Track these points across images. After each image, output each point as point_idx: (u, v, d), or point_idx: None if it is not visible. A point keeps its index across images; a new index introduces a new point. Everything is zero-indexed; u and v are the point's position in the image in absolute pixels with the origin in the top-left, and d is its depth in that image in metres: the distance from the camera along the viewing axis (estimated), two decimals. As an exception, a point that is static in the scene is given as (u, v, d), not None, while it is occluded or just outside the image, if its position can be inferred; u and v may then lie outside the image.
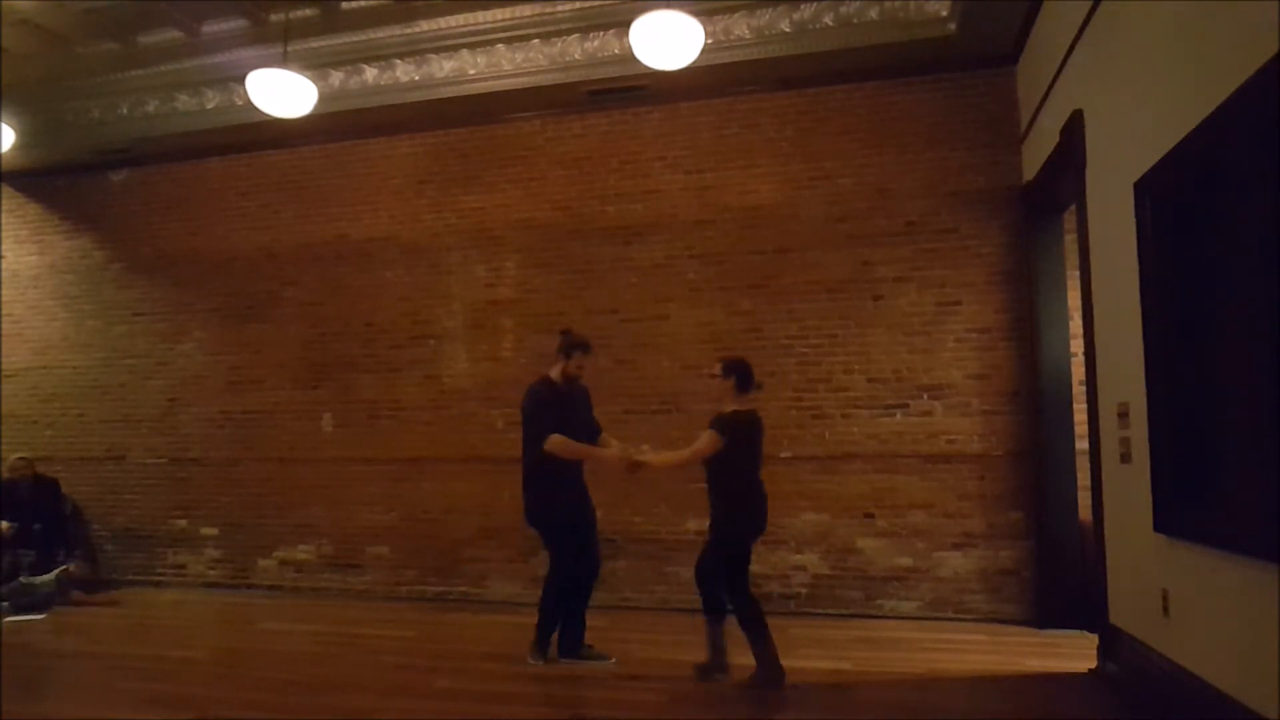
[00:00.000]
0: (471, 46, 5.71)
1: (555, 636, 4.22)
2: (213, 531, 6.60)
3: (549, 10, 5.40)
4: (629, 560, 5.63)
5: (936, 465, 5.25)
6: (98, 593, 6.30)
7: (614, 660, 4.18)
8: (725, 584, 3.84)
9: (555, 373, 4.23)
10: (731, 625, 3.87)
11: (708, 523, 3.96)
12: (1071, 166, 4.07)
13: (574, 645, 4.22)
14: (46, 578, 5.85)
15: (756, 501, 3.89)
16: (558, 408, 4.13)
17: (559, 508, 4.18)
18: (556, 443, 4.03)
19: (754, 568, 5.39)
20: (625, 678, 3.95)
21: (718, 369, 3.94)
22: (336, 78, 5.97)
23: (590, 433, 4.31)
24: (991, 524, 5.15)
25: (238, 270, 6.74)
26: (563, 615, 4.21)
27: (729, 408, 3.86)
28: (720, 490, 3.86)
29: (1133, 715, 3.37)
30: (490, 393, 6.01)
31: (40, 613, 5.64)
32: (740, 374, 3.88)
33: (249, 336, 6.65)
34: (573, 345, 4.22)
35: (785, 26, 5.27)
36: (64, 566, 6.02)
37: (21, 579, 5.80)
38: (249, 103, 4.80)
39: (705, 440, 3.80)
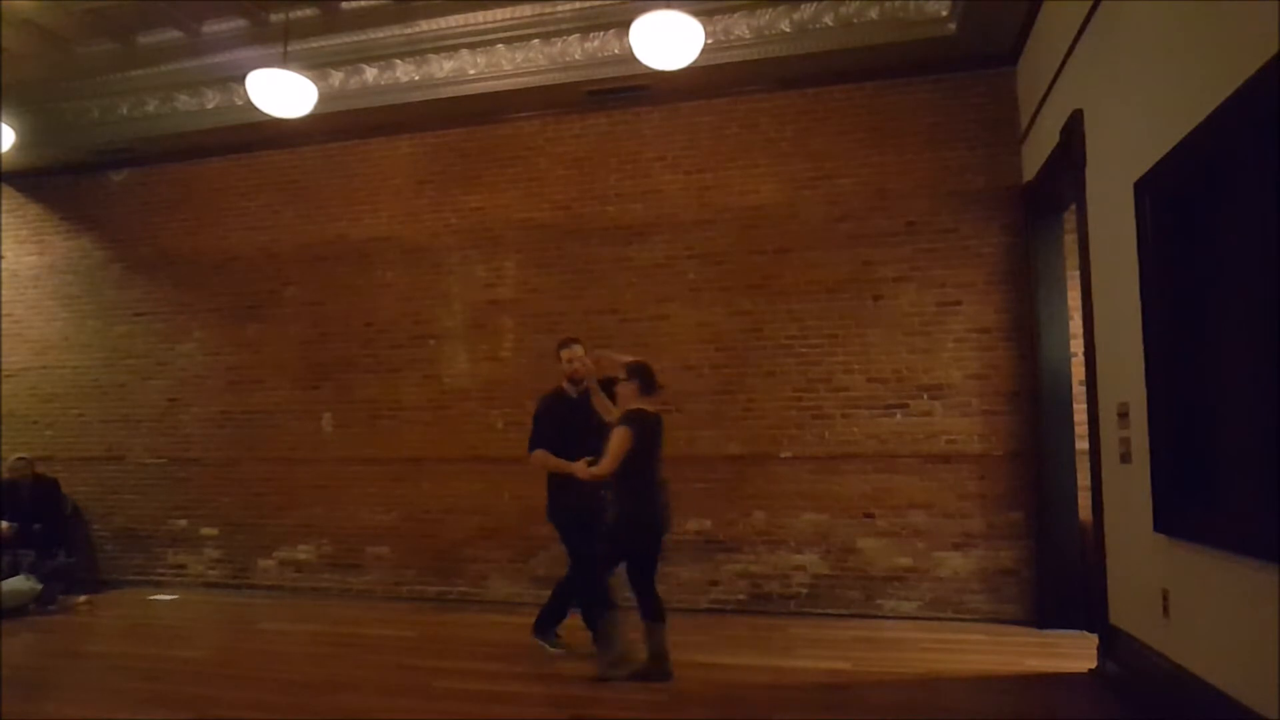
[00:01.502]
0: (471, 46, 5.71)
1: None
2: (213, 531, 6.60)
3: (549, 10, 5.40)
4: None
5: (936, 465, 5.25)
6: (96, 593, 6.29)
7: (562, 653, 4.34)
8: (596, 567, 3.98)
9: (564, 381, 4.45)
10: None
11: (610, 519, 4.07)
12: (1071, 166, 4.07)
13: (548, 627, 4.41)
14: (17, 587, 5.69)
15: (662, 500, 4.02)
16: (553, 419, 4.32)
17: (563, 508, 4.33)
18: (534, 459, 4.31)
19: (754, 568, 5.47)
20: (625, 677, 3.95)
21: (623, 372, 4.11)
22: (336, 78, 5.97)
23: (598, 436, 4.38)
24: (991, 524, 5.15)
25: (238, 270, 6.74)
26: (568, 604, 4.37)
27: (634, 407, 4.01)
28: (625, 489, 3.95)
29: (1133, 715, 3.37)
30: (490, 393, 6.01)
31: (15, 617, 5.52)
32: (642, 376, 4.04)
33: (249, 336, 6.65)
34: (558, 347, 4.44)
35: (785, 26, 5.27)
36: (35, 586, 5.77)
37: None
38: (249, 103, 4.80)
39: (619, 439, 3.87)
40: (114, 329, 7.00)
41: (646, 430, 3.93)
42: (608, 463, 3.87)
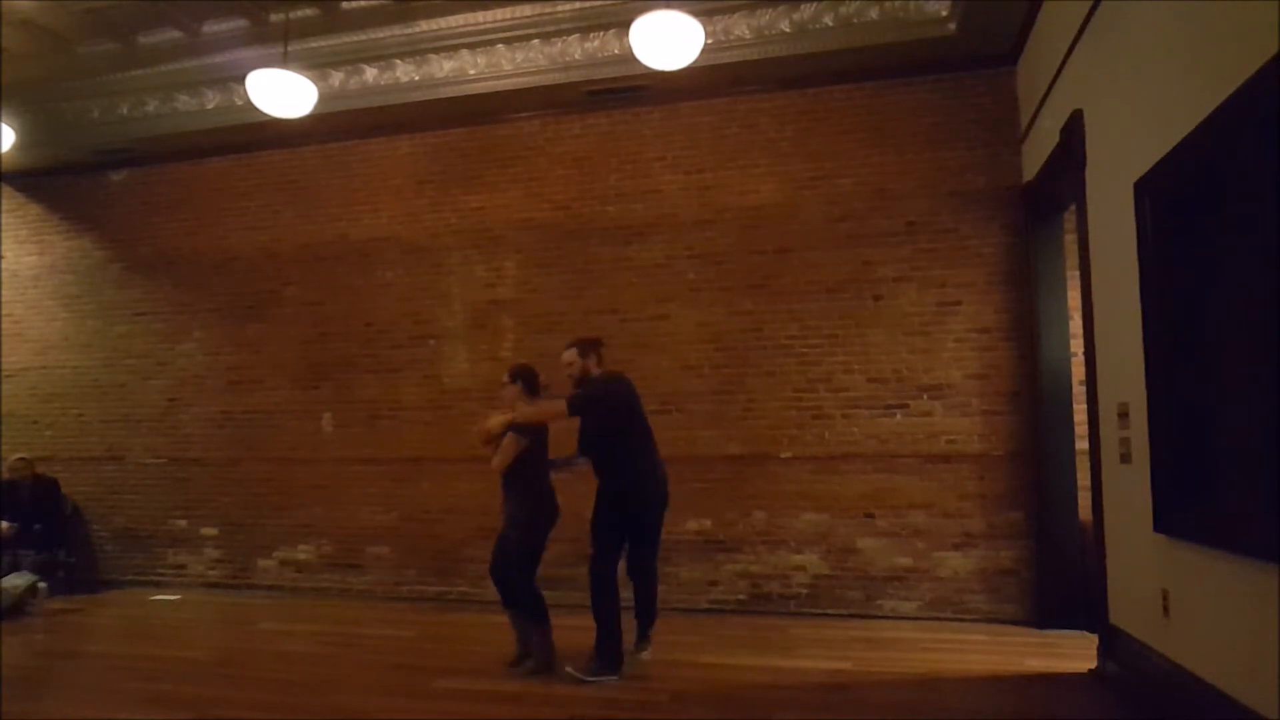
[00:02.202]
0: (471, 46, 5.71)
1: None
2: (213, 531, 6.60)
3: (549, 10, 5.40)
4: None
5: (936, 465, 5.25)
6: (89, 593, 6.29)
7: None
8: (522, 575, 4.04)
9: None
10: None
11: (505, 520, 4.13)
12: (1071, 166, 4.07)
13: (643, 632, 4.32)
14: (16, 583, 5.68)
15: (553, 496, 4.12)
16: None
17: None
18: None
19: (754, 568, 5.47)
20: (625, 678, 3.95)
21: (506, 377, 4.17)
22: (336, 78, 5.97)
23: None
24: (991, 524, 5.15)
25: (238, 270, 6.74)
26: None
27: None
28: (522, 488, 4.03)
29: (1133, 715, 3.37)
30: (490, 393, 5.97)
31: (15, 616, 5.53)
32: (527, 379, 4.14)
33: (249, 336, 6.65)
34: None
35: (785, 26, 5.27)
36: (36, 580, 5.80)
37: None
38: (249, 103, 4.80)
39: (512, 444, 3.96)
40: (114, 329, 7.00)
41: (536, 434, 4.06)
42: (499, 460, 3.98)
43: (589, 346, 4.30)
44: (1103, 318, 3.85)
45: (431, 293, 6.27)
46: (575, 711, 3.55)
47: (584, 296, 5.92)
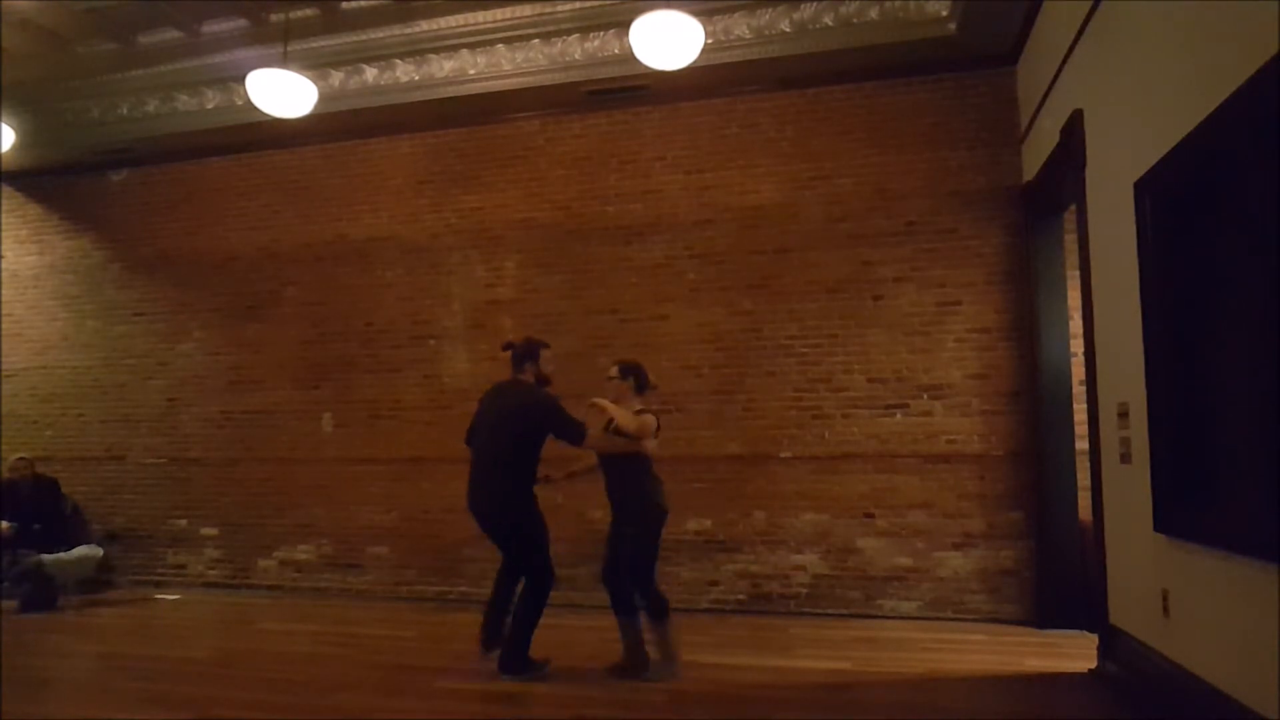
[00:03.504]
0: (471, 46, 5.71)
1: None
2: (213, 531, 6.60)
3: (549, 10, 5.40)
4: (629, 560, 5.63)
5: (936, 465, 5.25)
6: (90, 593, 6.30)
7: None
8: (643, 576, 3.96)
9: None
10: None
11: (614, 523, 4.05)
12: (1071, 166, 4.07)
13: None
14: (65, 557, 5.95)
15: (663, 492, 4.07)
16: None
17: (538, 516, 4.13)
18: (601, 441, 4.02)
19: (754, 568, 5.47)
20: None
21: (615, 371, 4.09)
22: (336, 78, 5.97)
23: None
24: (991, 524, 5.15)
25: (238, 270, 6.74)
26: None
27: (633, 408, 4.00)
28: (637, 484, 3.97)
29: (1133, 715, 3.37)
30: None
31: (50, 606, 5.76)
32: (637, 375, 4.07)
33: (249, 336, 6.65)
34: (541, 347, 4.27)
35: (785, 26, 5.28)
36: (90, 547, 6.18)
37: (37, 559, 5.85)
38: (249, 103, 4.80)
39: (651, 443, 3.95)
40: (114, 329, 7.00)
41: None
42: (636, 444, 3.92)
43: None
44: (1103, 318, 3.85)
45: (431, 293, 6.27)
46: (575, 711, 3.55)
47: (584, 296, 5.93)
